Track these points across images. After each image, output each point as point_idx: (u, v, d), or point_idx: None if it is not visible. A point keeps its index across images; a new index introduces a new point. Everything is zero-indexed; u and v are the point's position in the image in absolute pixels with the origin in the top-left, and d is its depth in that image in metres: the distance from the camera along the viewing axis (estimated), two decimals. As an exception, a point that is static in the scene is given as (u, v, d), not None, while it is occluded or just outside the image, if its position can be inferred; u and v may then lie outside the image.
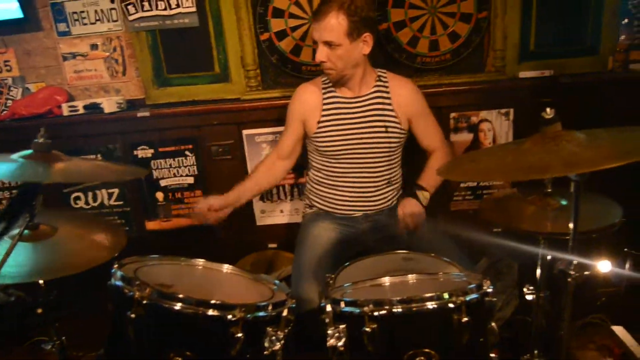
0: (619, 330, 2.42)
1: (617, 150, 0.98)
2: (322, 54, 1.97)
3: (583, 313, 2.46)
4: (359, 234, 2.18)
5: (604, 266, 1.99)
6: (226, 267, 1.47)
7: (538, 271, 1.74)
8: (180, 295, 1.20)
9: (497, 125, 2.46)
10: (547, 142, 1.09)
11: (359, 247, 2.16)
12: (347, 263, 1.82)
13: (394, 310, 1.16)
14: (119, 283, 1.25)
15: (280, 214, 2.67)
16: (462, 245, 2.06)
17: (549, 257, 1.68)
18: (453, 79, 2.47)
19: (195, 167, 2.60)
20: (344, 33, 1.93)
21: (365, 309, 1.18)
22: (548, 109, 1.15)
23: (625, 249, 2.40)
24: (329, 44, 1.95)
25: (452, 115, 2.48)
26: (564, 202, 1.56)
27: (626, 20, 2.43)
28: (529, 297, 1.72)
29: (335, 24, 1.92)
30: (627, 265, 2.44)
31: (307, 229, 2.20)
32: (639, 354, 2.15)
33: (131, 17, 2.46)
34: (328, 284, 1.71)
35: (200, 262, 1.46)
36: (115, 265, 1.31)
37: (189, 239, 2.70)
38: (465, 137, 2.50)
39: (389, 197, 2.21)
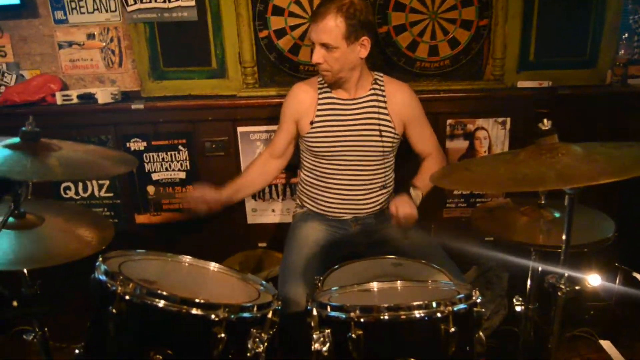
0: (606, 344, 2.42)
1: (614, 165, 0.96)
2: (318, 55, 1.96)
3: (571, 326, 2.46)
4: (348, 237, 2.17)
5: (593, 280, 1.98)
6: (213, 265, 1.45)
7: (528, 282, 1.73)
8: (164, 293, 1.17)
9: (493, 134, 2.45)
10: (543, 154, 1.07)
11: (348, 250, 2.14)
12: (336, 266, 1.81)
13: (380, 317, 1.14)
14: (102, 277, 1.22)
15: (271, 213, 2.65)
16: (453, 253, 2.04)
17: (540, 269, 1.67)
18: (451, 85, 2.45)
19: (187, 162, 2.58)
20: (341, 36, 1.92)
21: (352, 314, 1.15)
22: (545, 120, 1.13)
23: (617, 264, 2.39)
24: (326, 46, 1.93)
25: (449, 121, 2.46)
26: (557, 215, 1.54)
27: (626, 35, 2.42)
28: (518, 309, 1.70)
29: (333, 26, 1.90)
30: (617, 280, 2.44)
31: (297, 229, 2.18)
32: (625, 370, 2.14)
33: (130, 8, 2.43)
34: (316, 286, 1.70)
35: (187, 259, 1.44)
36: (100, 259, 1.28)
37: (178, 234, 2.67)
38: (461, 144, 2.49)
39: (381, 201, 2.19)
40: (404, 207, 1.95)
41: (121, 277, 1.18)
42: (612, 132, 2.40)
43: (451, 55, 2.43)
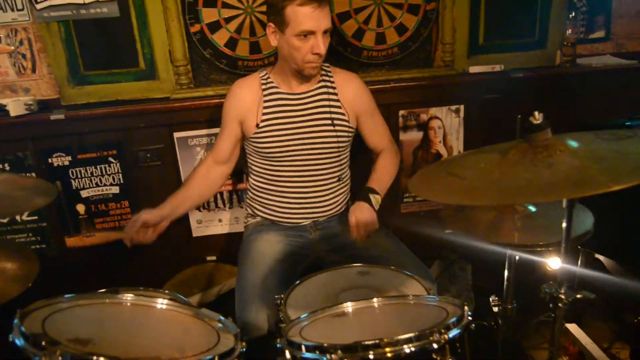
0: (572, 327, 2.38)
1: (631, 164, 0.83)
2: (324, 44, 1.76)
3: (536, 312, 2.41)
4: (308, 245, 2.00)
5: (554, 263, 1.92)
6: (160, 302, 1.21)
7: (505, 280, 1.63)
8: (100, 359, 0.94)
9: (447, 123, 2.35)
10: (538, 152, 0.92)
11: (309, 259, 1.98)
12: (297, 281, 1.64)
13: (366, 356, 0.97)
14: (20, 342, 0.96)
15: (218, 224, 2.44)
16: (414, 249, 1.93)
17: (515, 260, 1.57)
18: (401, 74, 2.32)
19: (120, 175, 2.32)
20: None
21: (333, 356, 0.97)
22: (536, 113, 0.98)
23: (579, 247, 2.34)
24: (326, 31, 1.75)
25: (401, 112, 2.34)
26: (532, 209, 1.44)
27: (572, 14, 2.37)
28: (495, 309, 1.60)
29: (328, 6, 1.74)
30: (579, 262, 2.40)
31: (250, 243, 1.99)
32: (594, 351, 2.10)
33: (39, 6, 2.13)
34: (278, 306, 1.52)
35: (129, 297, 1.19)
36: (17, 315, 1.02)
37: (117, 255, 2.40)
38: (415, 135, 2.37)
39: (340, 202, 2.04)
40: (364, 216, 1.81)
41: (45, 341, 0.93)
42: (568, 114, 2.35)
43: (399, 43, 2.30)
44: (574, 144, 0.96)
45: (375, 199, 1.89)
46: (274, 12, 1.75)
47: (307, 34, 1.73)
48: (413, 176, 1.14)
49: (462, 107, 2.33)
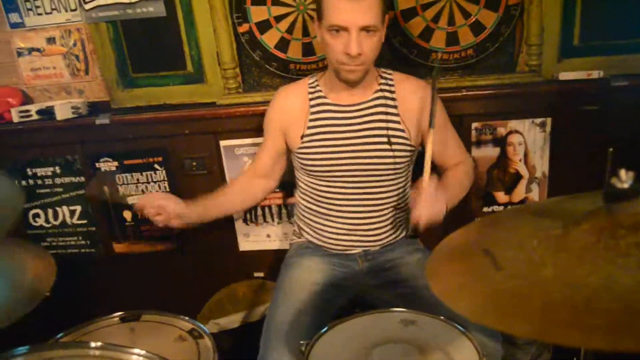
0: None
1: None
2: (359, 44, 1.49)
3: None
4: (353, 276, 1.76)
5: None
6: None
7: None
8: None
9: (529, 139, 1.98)
10: (621, 237, 0.59)
11: (352, 293, 1.75)
12: (325, 328, 1.41)
13: None
14: None
15: (266, 239, 2.26)
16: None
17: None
18: (476, 80, 1.98)
19: (166, 182, 2.21)
20: (381, 11, 1.50)
21: None
22: (622, 171, 0.65)
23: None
24: (366, 29, 1.49)
25: (475, 125, 2.00)
26: None
27: (700, 7, 1.90)
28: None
29: (373, 3, 1.47)
30: None
31: (288, 268, 1.79)
32: None
33: (87, 6, 2.06)
34: (302, 353, 1.31)
35: (97, 345, 1.02)
36: None
37: (161, 265, 2.32)
38: (490, 152, 2.03)
39: (396, 230, 1.78)
40: (430, 198, 1.50)
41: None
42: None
43: (475, 43, 1.96)
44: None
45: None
46: None
47: (338, 29, 1.48)
48: (439, 243, 0.84)
49: (548, 120, 1.96)
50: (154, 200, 1.72)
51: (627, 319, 0.49)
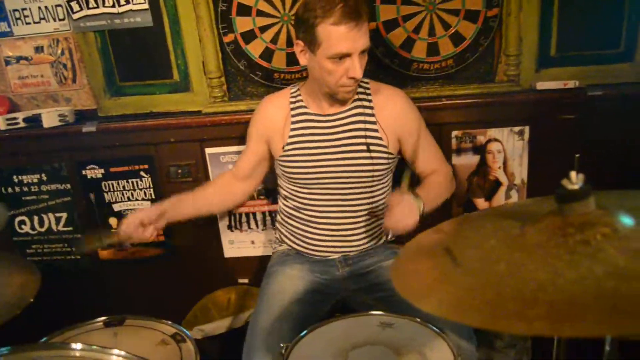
0: None
1: None
2: (361, 66, 1.55)
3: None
4: (335, 282, 1.79)
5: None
6: None
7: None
8: None
9: (508, 147, 2.03)
10: (569, 235, 0.65)
11: (334, 298, 1.78)
12: (305, 332, 1.43)
13: None
14: None
15: (251, 245, 2.28)
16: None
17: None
18: (456, 89, 2.03)
19: (152, 190, 2.23)
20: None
21: None
22: (573, 174, 0.69)
23: None
24: (363, 51, 1.54)
25: (454, 133, 2.05)
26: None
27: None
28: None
29: (367, 24, 1.53)
30: None
31: (271, 276, 1.82)
32: None
33: (75, 16, 2.09)
34: (281, 356, 1.34)
35: (77, 347, 1.04)
36: None
37: (146, 271, 2.34)
38: (470, 160, 2.07)
39: (374, 236, 1.81)
40: (403, 204, 1.54)
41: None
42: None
43: (455, 54, 2.01)
44: (627, 222, 0.64)
45: (417, 203, 1.57)
46: (304, 29, 1.53)
47: (342, 57, 1.52)
48: (405, 244, 0.87)
49: (527, 128, 2.00)
50: (133, 222, 1.72)
51: (567, 308, 0.52)
